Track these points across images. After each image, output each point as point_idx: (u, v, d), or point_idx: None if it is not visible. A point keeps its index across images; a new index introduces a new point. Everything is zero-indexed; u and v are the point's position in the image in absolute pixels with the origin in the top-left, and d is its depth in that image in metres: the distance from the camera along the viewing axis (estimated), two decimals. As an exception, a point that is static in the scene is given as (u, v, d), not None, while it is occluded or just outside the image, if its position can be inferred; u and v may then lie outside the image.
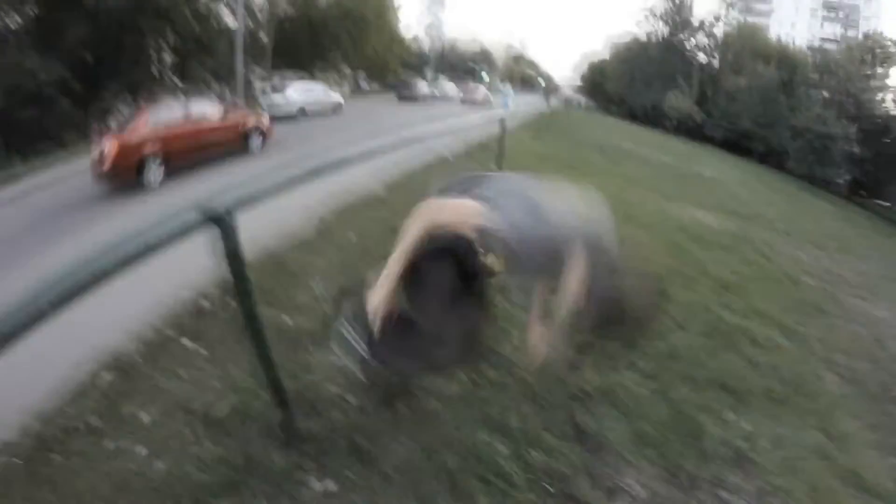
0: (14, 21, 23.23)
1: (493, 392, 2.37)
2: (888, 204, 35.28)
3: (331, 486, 1.81)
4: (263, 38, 28.91)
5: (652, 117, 41.99)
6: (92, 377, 2.62)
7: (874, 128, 32.21)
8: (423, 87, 30.58)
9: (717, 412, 2.53)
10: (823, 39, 46.02)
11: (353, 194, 5.90)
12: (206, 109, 10.93)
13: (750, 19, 46.42)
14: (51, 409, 2.42)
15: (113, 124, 11.34)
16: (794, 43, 42.05)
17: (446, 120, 5.40)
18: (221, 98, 20.80)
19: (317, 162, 2.08)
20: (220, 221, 1.39)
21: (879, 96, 33.73)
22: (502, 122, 6.72)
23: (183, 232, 1.29)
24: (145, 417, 2.24)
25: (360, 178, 5.89)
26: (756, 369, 3.14)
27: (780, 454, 2.35)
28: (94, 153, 9.20)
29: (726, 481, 2.11)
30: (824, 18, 53.91)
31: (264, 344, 1.76)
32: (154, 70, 25.72)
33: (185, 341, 2.80)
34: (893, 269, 10.10)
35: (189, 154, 9.81)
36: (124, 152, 8.66)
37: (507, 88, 23.72)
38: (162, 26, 24.21)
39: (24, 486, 1.96)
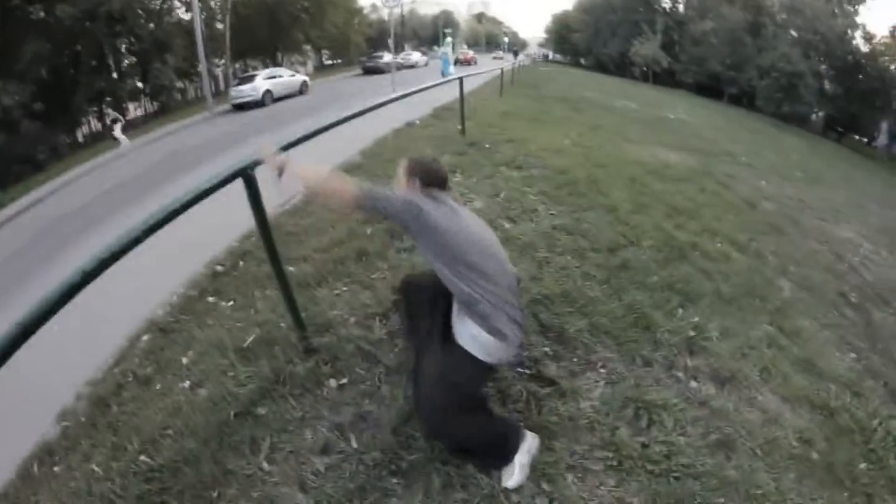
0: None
1: None
2: (865, 139, 36.00)
3: (344, 381, 2.25)
4: (220, 27, 28.28)
5: (619, 66, 42.01)
6: (131, 340, 3.03)
7: (845, 65, 32.32)
8: (387, 58, 29.92)
9: (667, 309, 2.90)
10: None
11: (332, 162, 6.21)
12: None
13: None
14: (100, 373, 2.83)
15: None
16: None
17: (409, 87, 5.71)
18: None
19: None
20: (245, 174, 1.85)
21: (849, 34, 33.51)
22: (461, 83, 7.03)
23: (224, 182, 1.77)
24: (184, 360, 2.65)
25: (336, 147, 6.17)
26: (706, 275, 3.47)
27: (731, 343, 2.72)
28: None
29: (679, 364, 2.47)
30: None
31: (284, 276, 2.22)
32: (115, 76, 25.23)
33: (209, 298, 3.23)
34: (861, 197, 10.44)
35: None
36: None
37: (447, 51, 21.78)
38: (117, 30, 23.62)
39: (89, 435, 2.33)
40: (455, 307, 1.74)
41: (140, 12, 24.13)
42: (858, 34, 33.98)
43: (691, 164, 7.12)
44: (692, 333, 2.71)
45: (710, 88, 36.38)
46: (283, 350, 2.42)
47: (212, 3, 28.18)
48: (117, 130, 17.20)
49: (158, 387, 2.51)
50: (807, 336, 3.11)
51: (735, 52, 34.95)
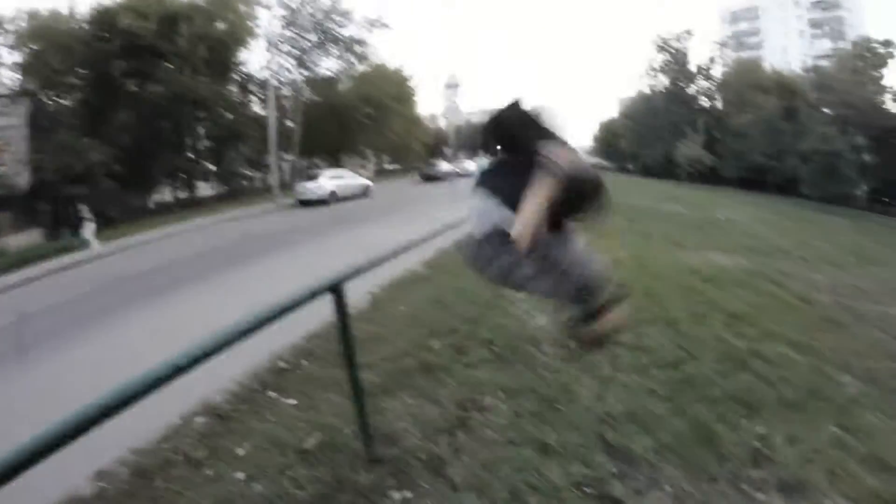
0: (63, 105, 25.33)
1: (534, 421, 2.78)
2: None
3: (408, 495, 2.24)
4: (291, 125, 30.62)
5: (666, 169, 42.24)
6: (185, 420, 3.08)
7: (882, 133, 31.46)
8: (444, 166, 32.78)
9: (731, 422, 2.83)
10: (816, 57, 46.52)
11: (394, 273, 6.46)
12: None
13: (743, 55, 47.64)
14: (147, 445, 2.85)
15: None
16: (789, 68, 42.67)
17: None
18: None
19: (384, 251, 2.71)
20: (335, 288, 1.99)
21: (880, 99, 33.46)
22: None
23: (315, 294, 1.89)
24: (240, 451, 2.68)
25: (400, 259, 6.32)
26: (767, 383, 3.38)
27: (797, 450, 2.61)
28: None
29: (745, 476, 2.40)
30: (812, 37, 55.40)
31: (360, 385, 2.30)
32: (192, 156, 27.57)
33: (270, 393, 3.32)
34: None
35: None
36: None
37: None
38: (198, 115, 26.16)
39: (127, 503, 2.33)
40: None
41: (220, 102, 26.62)
42: (888, 97, 33.73)
43: (745, 266, 7.08)
44: (757, 444, 2.64)
45: (753, 181, 36.29)
46: (347, 457, 2.45)
47: (285, 103, 30.89)
48: (88, 232, 16.80)
49: (210, 472, 2.52)
50: (874, 433, 2.94)
51: (774, 140, 35.10)
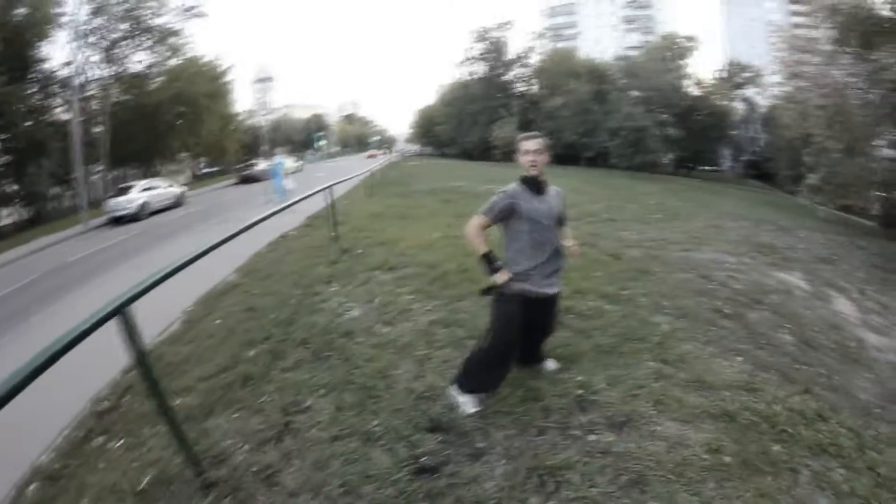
0: None
1: (356, 411, 2.84)
2: (714, 168, 43.17)
3: (248, 512, 2.20)
4: (99, 130, 26.57)
5: (483, 151, 44.42)
6: (19, 492, 2.75)
7: (684, 111, 37.93)
8: (261, 165, 30.93)
9: (552, 378, 3.03)
10: (627, 48, 53.30)
11: (207, 284, 6.17)
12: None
13: (560, 44, 52.55)
14: None
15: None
16: (602, 57, 47.68)
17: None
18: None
19: (181, 256, 2.56)
20: (121, 312, 1.84)
21: (682, 84, 39.85)
22: (331, 191, 7.28)
23: (100, 322, 1.74)
24: None
25: (209, 266, 6.12)
26: (583, 334, 3.68)
27: (619, 389, 2.87)
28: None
29: (573, 423, 2.61)
30: (626, 30, 64.44)
31: (170, 413, 2.20)
32: None
33: (97, 439, 3.06)
34: (717, 218, 11.52)
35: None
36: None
37: (280, 162, 19.59)
38: None
39: None
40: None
41: (18, 109, 21.74)
42: (690, 82, 40.46)
43: (557, 234, 7.63)
44: (580, 391, 2.85)
45: (567, 157, 39.89)
46: (181, 488, 2.36)
47: (92, 105, 26.45)
48: None
49: (51, 544, 2.27)
50: (691, 359, 3.31)
51: (586, 120, 39.14)
